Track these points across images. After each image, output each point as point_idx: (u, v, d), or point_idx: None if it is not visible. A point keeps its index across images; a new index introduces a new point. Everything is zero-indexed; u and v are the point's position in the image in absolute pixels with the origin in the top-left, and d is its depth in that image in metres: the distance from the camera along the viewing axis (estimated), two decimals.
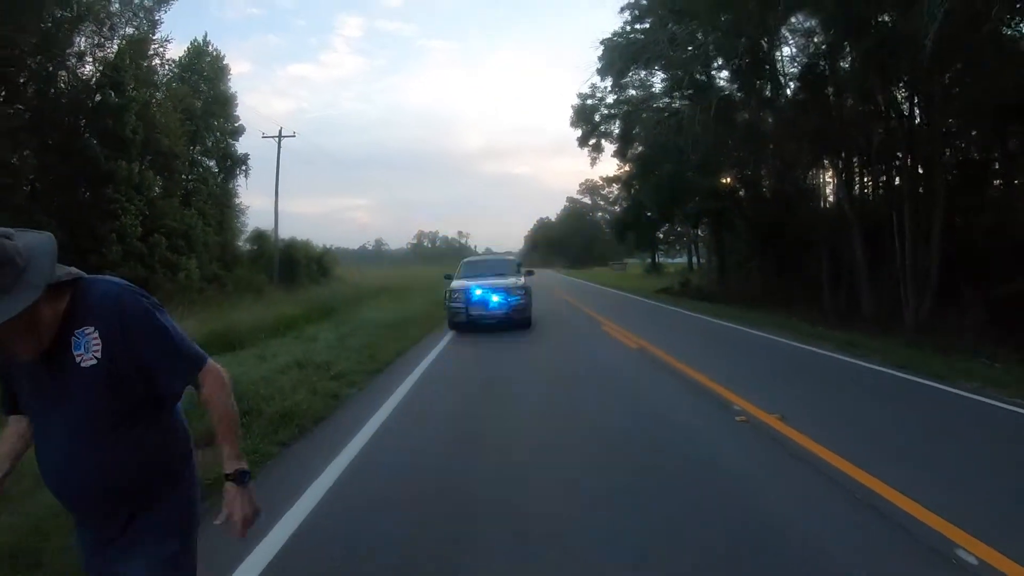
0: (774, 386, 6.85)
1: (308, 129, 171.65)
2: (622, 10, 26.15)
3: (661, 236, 46.95)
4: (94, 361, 1.42)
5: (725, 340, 11.46)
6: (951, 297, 13.92)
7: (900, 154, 17.63)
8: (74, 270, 1.44)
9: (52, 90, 22.24)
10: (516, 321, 12.13)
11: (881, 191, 19.18)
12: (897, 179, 18.14)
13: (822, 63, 18.47)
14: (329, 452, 4.62)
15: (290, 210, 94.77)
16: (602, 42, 28.22)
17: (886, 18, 14.96)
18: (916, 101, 16.53)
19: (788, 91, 20.48)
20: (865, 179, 20.17)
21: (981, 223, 14.87)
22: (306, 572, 2.88)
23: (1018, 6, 12.91)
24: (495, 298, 12.07)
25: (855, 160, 19.71)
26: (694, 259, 42.52)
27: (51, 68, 22.11)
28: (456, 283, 12.78)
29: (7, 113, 19.33)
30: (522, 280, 13.09)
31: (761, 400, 5.93)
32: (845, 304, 17.70)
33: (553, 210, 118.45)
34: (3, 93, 19.97)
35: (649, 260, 53.49)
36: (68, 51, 22.59)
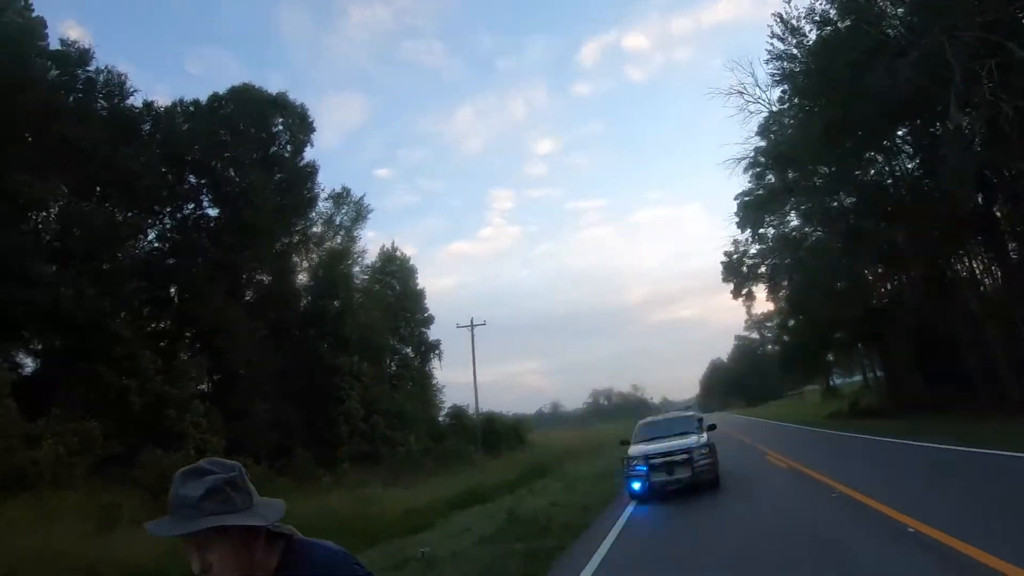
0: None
1: (473, 302, 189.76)
2: (745, 170, 30.22)
3: (832, 358, 46.13)
4: None
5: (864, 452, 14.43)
6: None
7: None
8: (289, 527, 1.48)
9: (283, 303, 27.30)
10: (703, 484, 10.83)
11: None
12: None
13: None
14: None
15: (465, 381, 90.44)
16: (735, 198, 32.54)
17: None
18: None
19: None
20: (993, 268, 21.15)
21: None
22: None
23: None
24: (678, 461, 10.79)
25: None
26: (870, 374, 41.22)
27: (282, 287, 27.38)
28: (634, 449, 11.61)
29: (256, 326, 23.94)
30: (705, 438, 11.61)
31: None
32: (999, 396, 18.04)
33: (724, 350, 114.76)
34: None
35: (825, 385, 52.77)
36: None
